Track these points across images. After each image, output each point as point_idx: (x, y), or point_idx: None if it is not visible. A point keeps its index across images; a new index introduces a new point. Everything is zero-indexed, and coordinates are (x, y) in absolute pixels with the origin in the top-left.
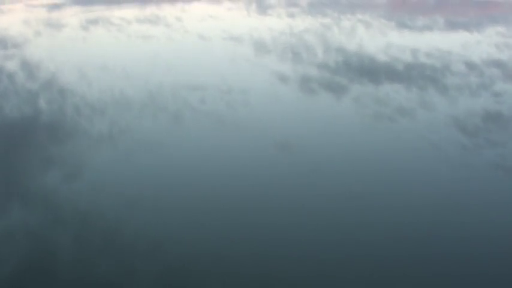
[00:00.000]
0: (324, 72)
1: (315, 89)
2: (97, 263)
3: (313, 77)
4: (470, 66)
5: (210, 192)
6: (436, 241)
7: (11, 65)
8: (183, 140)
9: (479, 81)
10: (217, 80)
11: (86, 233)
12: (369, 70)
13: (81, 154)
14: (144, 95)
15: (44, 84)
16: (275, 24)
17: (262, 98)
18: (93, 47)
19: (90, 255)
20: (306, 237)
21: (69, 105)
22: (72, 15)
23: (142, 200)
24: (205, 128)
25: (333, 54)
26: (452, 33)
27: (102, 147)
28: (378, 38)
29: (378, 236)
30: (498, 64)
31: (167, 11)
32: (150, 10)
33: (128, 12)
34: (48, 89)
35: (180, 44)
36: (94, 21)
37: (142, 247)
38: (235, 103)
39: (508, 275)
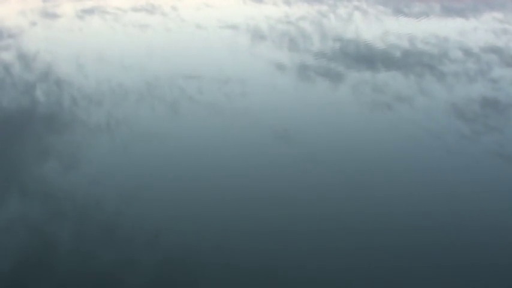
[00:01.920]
0: (321, 60)
1: (312, 77)
2: (96, 255)
3: (311, 65)
4: (468, 52)
5: (209, 183)
6: (434, 228)
7: (7, 56)
8: (181, 130)
9: (476, 67)
10: (214, 69)
11: (84, 224)
12: (366, 57)
13: (78, 145)
14: (141, 85)
15: (40, 75)
16: (271, 12)
17: (260, 87)
18: (89, 37)
19: (88, 247)
20: (305, 226)
21: (66, 96)
22: (67, 5)
23: (140, 191)
24: (203, 118)
25: (330, 42)
26: (449, 20)
27: (100, 138)
28: (374, 25)
29: (376, 224)
30: (495, 50)
31: (162, 0)
32: None
33: (123, 1)
34: (44, 79)
35: (177, 33)
36: (89, 11)
37: (141, 238)
38: (232, 92)
39: (506, 262)
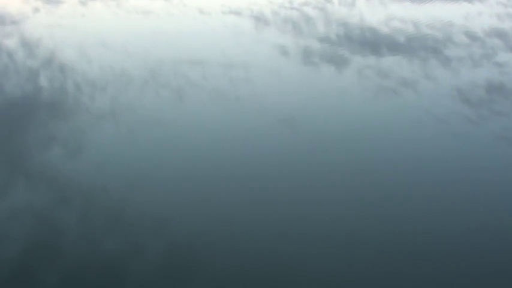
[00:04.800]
0: (326, 45)
1: (316, 62)
2: (102, 241)
3: (315, 50)
4: (472, 37)
5: (213, 169)
6: (441, 213)
7: (10, 43)
8: (185, 117)
9: (481, 52)
10: (218, 55)
11: (90, 210)
12: (371, 42)
13: (83, 132)
14: (144, 71)
15: (43, 62)
16: None
17: (264, 73)
18: (92, 23)
19: (94, 233)
20: (309, 212)
21: (70, 83)
22: None
23: (146, 177)
24: (208, 104)
25: (334, 27)
26: (454, 4)
27: (104, 124)
28: (379, 9)
29: (382, 210)
30: (500, 34)
31: None
32: None
33: None
34: (47, 66)
35: (180, 19)
36: None
37: (147, 224)
38: (236, 78)
39: None
